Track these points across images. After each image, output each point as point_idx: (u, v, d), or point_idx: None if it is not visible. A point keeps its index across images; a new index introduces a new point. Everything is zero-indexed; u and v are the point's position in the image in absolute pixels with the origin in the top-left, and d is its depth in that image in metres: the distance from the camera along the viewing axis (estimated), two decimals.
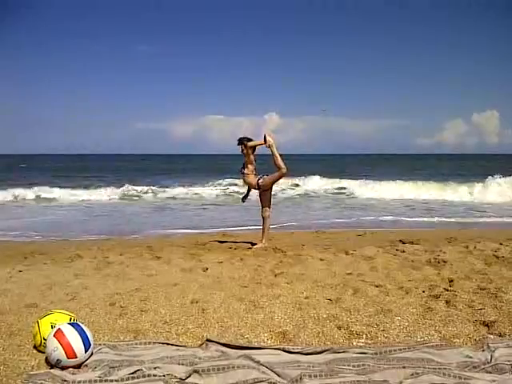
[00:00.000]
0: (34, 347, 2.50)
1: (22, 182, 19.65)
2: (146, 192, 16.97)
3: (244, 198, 6.26)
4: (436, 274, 4.10)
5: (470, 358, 2.32)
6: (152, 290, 3.64)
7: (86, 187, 17.87)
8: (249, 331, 2.78)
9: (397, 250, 5.33)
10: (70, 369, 2.22)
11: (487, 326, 2.80)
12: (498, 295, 3.29)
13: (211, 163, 49.64)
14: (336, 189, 18.47)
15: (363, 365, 2.22)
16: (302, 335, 2.71)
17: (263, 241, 5.96)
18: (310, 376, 2.06)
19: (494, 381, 2.04)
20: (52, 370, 2.19)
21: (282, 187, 17.22)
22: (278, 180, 5.89)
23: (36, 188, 16.30)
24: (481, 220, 10.22)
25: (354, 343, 2.63)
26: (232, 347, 2.48)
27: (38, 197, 15.03)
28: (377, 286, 3.66)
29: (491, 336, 2.66)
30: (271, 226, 6.22)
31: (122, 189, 16.98)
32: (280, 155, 5.71)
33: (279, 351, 2.43)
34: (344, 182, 19.77)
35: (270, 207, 6.01)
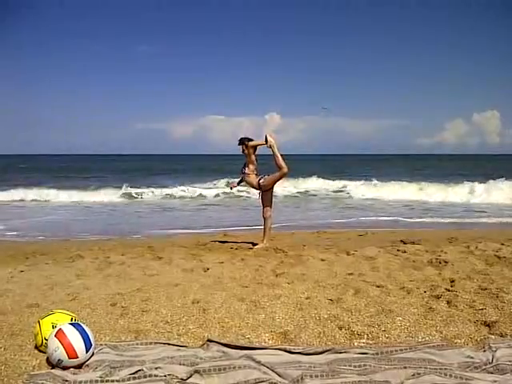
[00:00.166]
0: (35, 347, 2.50)
1: (21, 183, 19.68)
2: (147, 192, 16.98)
3: (232, 185, 6.23)
4: (437, 274, 4.10)
5: (472, 358, 2.31)
6: (153, 290, 3.64)
7: (87, 188, 17.89)
8: (250, 331, 2.78)
9: (398, 250, 5.33)
10: (71, 369, 2.22)
11: (488, 326, 2.79)
12: (499, 295, 3.29)
13: (212, 163, 49.66)
14: (336, 189, 18.48)
15: (364, 365, 2.22)
16: (303, 335, 2.71)
17: (264, 241, 5.97)
18: (311, 376, 2.06)
19: (496, 381, 2.03)
20: (53, 370, 2.19)
21: (283, 187, 17.22)
22: (279, 180, 5.89)
23: (36, 188, 16.33)
24: (481, 220, 10.21)
25: (355, 343, 2.63)
26: (233, 347, 2.48)
27: (38, 197, 15.04)
28: (378, 287, 3.65)
29: (492, 336, 2.65)
30: (272, 226, 6.21)
31: (122, 189, 16.99)
32: (281, 155, 5.71)
33: (280, 351, 2.43)
34: (344, 182, 19.78)
35: (271, 207, 6.02)
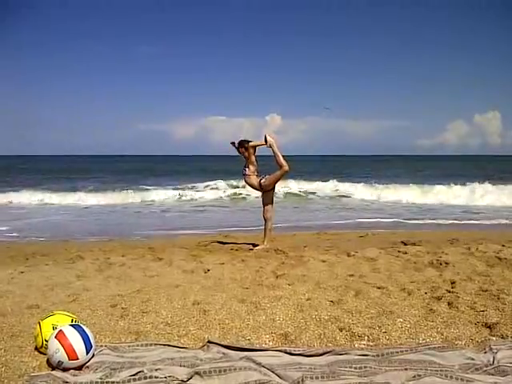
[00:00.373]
0: (36, 349, 2.50)
1: (22, 184, 19.70)
2: (148, 193, 16.97)
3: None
4: (438, 275, 4.09)
5: (473, 359, 2.31)
6: (153, 291, 3.63)
7: (87, 189, 17.91)
8: (250, 333, 2.77)
9: (399, 251, 5.32)
10: (72, 370, 2.22)
11: (489, 327, 2.79)
12: (500, 297, 3.28)
13: (213, 164, 49.67)
14: (337, 190, 18.46)
15: (365, 367, 2.21)
16: (304, 337, 2.71)
17: (265, 242, 5.96)
18: (311, 378, 2.05)
19: (497, 383, 2.03)
20: (53, 372, 2.19)
21: (284, 188, 17.22)
22: (280, 178, 5.88)
23: (36, 189, 16.34)
24: (482, 222, 10.20)
25: (356, 345, 2.62)
26: (233, 349, 2.48)
27: (38, 198, 15.05)
28: (379, 288, 3.65)
29: (493, 338, 2.65)
30: (273, 227, 6.21)
31: (123, 190, 17.00)
32: (283, 156, 5.71)
33: (281, 353, 2.42)
34: (345, 184, 19.76)
35: (272, 208, 6.01)
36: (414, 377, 2.07)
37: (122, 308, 3.23)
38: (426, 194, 15.97)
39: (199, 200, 15.91)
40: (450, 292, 3.47)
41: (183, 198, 16.43)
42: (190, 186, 20.87)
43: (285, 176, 5.99)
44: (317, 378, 2.06)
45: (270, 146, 5.70)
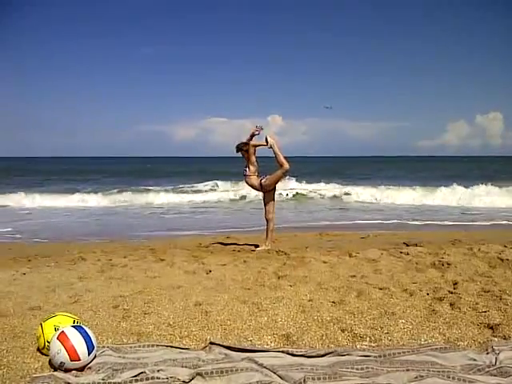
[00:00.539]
0: (38, 350, 2.50)
1: (22, 185, 19.73)
2: (149, 194, 16.98)
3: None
4: (440, 276, 4.09)
5: (475, 360, 2.30)
6: (155, 292, 3.64)
7: (88, 190, 17.93)
8: (252, 334, 2.77)
9: (401, 252, 5.31)
10: (74, 371, 2.22)
11: (491, 328, 2.78)
12: (502, 298, 3.27)
13: (214, 166, 49.70)
14: (338, 191, 18.44)
15: (367, 368, 2.21)
16: (306, 338, 2.71)
17: (266, 243, 5.96)
18: (313, 379, 2.05)
19: None
20: (55, 373, 2.19)
21: (285, 189, 17.22)
22: (281, 178, 5.88)
23: (37, 191, 16.36)
24: (484, 223, 10.18)
25: (358, 346, 2.62)
26: (235, 350, 2.48)
27: (39, 200, 15.05)
28: (381, 289, 3.64)
29: (496, 339, 2.64)
30: (274, 227, 6.20)
31: (124, 191, 17.02)
32: (284, 157, 5.71)
33: (282, 354, 2.42)
34: (346, 185, 19.76)
35: (273, 209, 6.01)
36: (416, 378, 2.06)
37: (124, 309, 3.23)
38: (427, 195, 15.96)
39: (200, 201, 15.91)
40: (452, 293, 3.47)
41: (184, 199, 16.44)
42: (190, 187, 20.90)
43: (285, 177, 5.98)
44: (319, 378, 2.06)
45: (271, 147, 5.70)
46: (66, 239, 7.75)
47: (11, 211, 12.93)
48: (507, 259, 4.66)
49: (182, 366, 2.23)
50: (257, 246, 6.05)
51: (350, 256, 5.10)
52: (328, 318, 2.99)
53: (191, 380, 2.10)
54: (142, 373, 2.12)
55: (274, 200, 6.02)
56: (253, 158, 5.79)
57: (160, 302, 3.38)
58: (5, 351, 2.49)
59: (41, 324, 2.51)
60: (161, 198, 16.35)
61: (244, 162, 5.89)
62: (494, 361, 2.27)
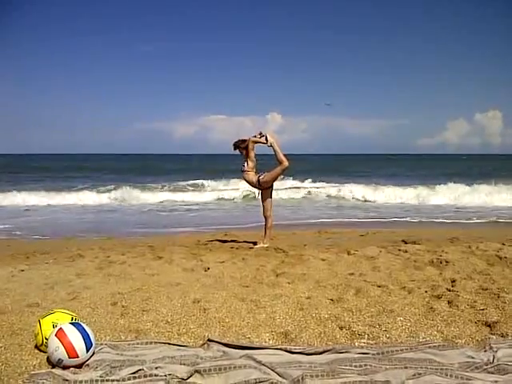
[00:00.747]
0: (36, 347, 2.50)
1: (21, 182, 19.69)
2: (147, 192, 16.96)
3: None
4: (438, 274, 4.09)
5: (473, 358, 2.31)
6: (154, 289, 3.63)
7: (86, 187, 17.90)
8: (250, 331, 2.77)
9: (399, 250, 5.32)
10: (72, 368, 2.22)
11: (489, 326, 2.79)
12: (500, 295, 3.28)
13: (212, 163, 49.65)
14: (337, 189, 18.44)
15: (365, 365, 2.21)
16: (304, 335, 2.71)
17: (265, 240, 5.96)
18: (311, 376, 2.05)
19: (497, 381, 2.03)
20: (53, 370, 2.19)
21: (283, 186, 17.21)
22: (280, 174, 5.87)
23: (35, 188, 16.33)
24: (482, 220, 10.19)
25: (356, 343, 2.62)
26: (233, 347, 2.48)
27: (38, 197, 15.02)
28: (379, 286, 3.65)
29: (493, 336, 2.65)
30: (273, 225, 6.20)
31: (123, 188, 16.98)
32: (284, 154, 5.70)
33: (281, 351, 2.42)
34: (345, 182, 19.75)
35: (271, 206, 6.00)
36: (414, 375, 2.07)
37: (123, 306, 3.23)
38: (426, 193, 15.95)
39: (199, 198, 15.89)
40: (450, 290, 3.47)
41: (183, 196, 16.42)
42: (189, 184, 20.88)
43: (284, 174, 5.98)
44: (317, 376, 2.06)
45: (271, 145, 5.69)
46: (64, 236, 7.75)
47: (10, 208, 12.90)
48: (505, 257, 4.66)
49: (181, 364, 2.23)
50: (255, 244, 6.05)
51: (349, 254, 5.11)
52: (326, 316, 3.00)
53: (189, 377, 2.10)
54: (140, 370, 2.12)
55: (271, 197, 6.02)
56: (252, 154, 5.78)
57: (158, 299, 3.38)
58: (3, 348, 2.49)
59: (39, 321, 2.51)
60: (159, 195, 16.33)
61: (242, 158, 5.88)
62: (491, 358, 2.28)
